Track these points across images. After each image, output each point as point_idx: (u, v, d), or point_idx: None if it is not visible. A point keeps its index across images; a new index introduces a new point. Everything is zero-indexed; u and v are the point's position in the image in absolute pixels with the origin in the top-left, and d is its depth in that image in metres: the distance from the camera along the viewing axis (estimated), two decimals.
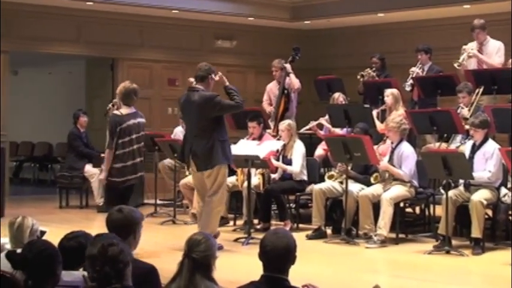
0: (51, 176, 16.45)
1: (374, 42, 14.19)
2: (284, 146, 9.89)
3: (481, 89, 9.64)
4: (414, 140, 10.15)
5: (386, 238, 8.73)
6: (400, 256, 8.30)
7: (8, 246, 5.01)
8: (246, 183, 9.31)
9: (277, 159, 9.86)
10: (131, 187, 8.43)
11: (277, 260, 3.87)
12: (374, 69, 11.67)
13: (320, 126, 10.85)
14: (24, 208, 11.39)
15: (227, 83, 8.45)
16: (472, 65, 10.45)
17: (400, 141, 9.02)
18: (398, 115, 9.46)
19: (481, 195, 8.30)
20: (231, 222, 10.31)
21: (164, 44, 14.56)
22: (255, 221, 9.87)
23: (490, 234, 8.76)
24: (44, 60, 15.72)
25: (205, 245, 3.99)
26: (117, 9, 13.58)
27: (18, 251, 3.92)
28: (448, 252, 8.19)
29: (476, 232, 8.23)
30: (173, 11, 13.82)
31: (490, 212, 8.81)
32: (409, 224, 9.66)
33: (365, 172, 9.36)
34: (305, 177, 9.93)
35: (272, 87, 11.57)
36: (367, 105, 10.67)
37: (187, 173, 10.02)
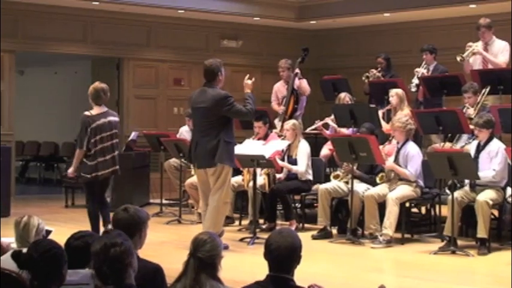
0: (57, 176, 16.48)
1: (380, 42, 14.19)
2: (289, 145, 9.89)
3: (487, 89, 9.62)
4: (420, 139, 10.14)
5: (391, 238, 8.72)
6: (406, 256, 8.29)
7: (14, 246, 5.02)
8: (251, 183, 9.32)
9: (282, 159, 9.86)
10: (105, 181, 8.77)
11: (282, 259, 3.87)
12: (379, 69, 11.66)
13: (326, 126, 10.85)
14: (30, 207, 11.42)
15: (249, 91, 8.50)
16: (477, 64, 10.44)
17: (406, 141, 9.01)
18: (404, 115, 9.45)
19: (486, 196, 8.29)
20: (237, 222, 10.33)
21: (170, 43, 14.58)
22: (261, 221, 9.88)
23: (496, 235, 8.75)
24: (50, 60, 15.75)
25: (211, 244, 3.99)
26: (123, 9, 13.60)
27: (24, 250, 3.93)
28: (453, 252, 8.19)
29: (482, 232, 8.22)
30: (179, 11, 13.84)
31: (495, 212, 8.80)
32: (414, 224, 9.65)
33: (371, 172, 9.36)
34: (310, 177, 9.93)
35: (279, 87, 11.58)
36: (373, 105, 10.66)
37: (192, 172, 10.03)
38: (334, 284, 6.52)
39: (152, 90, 14.60)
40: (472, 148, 8.68)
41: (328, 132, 10.77)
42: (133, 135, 12.87)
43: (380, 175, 9.08)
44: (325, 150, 10.64)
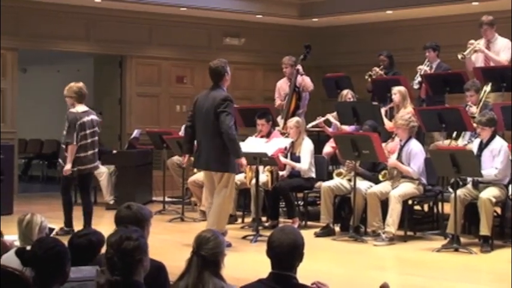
0: (60, 174, 16.44)
1: (382, 40, 14.18)
2: (292, 143, 9.89)
3: (489, 86, 9.61)
4: (422, 137, 10.13)
5: (394, 236, 8.72)
6: (409, 254, 8.29)
7: (17, 244, 5.03)
8: (254, 181, 9.33)
9: (286, 157, 9.86)
10: (88, 176, 9.39)
11: (284, 256, 3.86)
12: (382, 67, 11.65)
13: (328, 123, 10.85)
14: (33, 205, 11.42)
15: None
16: (480, 62, 10.42)
17: (409, 138, 9.01)
18: (407, 112, 9.45)
19: (489, 193, 8.29)
20: (239, 220, 10.33)
21: (173, 41, 14.57)
22: (263, 219, 9.88)
23: (499, 232, 8.74)
24: (53, 58, 15.75)
25: (214, 242, 3.99)
26: (125, 7, 13.60)
27: (28, 248, 3.94)
28: (456, 250, 8.19)
29: (484, 230, 8.22)
30: (181, 9, 13.84)
31: (498, 210, 8.80)
32: (417, 222, 9.65)
33: (373, 169, 9.36)
34: (313, 175, 9.93)
35: (282, 84, 11.57)
36: (375, 103, 10.66)
37: (195, 170, 10.03)
38: (336, 282, 6.51)
39: (155, 88, 14.61)
40: (474, 146, 8.67)
41: (330, 129, 10.77)
42: (135, 133, 12.88)
43: (383, 173, 9.08)
44: (328, 147, 10.64)
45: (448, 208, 8.82)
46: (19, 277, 4.00)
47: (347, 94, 10.77)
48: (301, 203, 10.26)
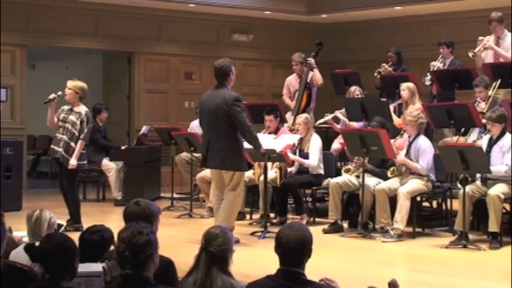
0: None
1: (390, 36, 14.16)
2: (301, 139, 9.88)
3: (498, 83, 9.58)
4: (431, 133, 10.11)
5: (403, 232, 8.71)
6: (417, 250, 8.28)
7: (26, 240, 5.05)
8: (262, 177, 9.32)
9: (294, 153, 9.85)
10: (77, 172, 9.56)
11: (292, 253, 3.87)
12: (390, 63, 11.62)
13: (336, 119, 10.84)
14: (42, 201, 11.44)
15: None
16: (489, 58, 10.39)
17: (417, 135, 8.99)
18: (415, 109, 9.43)
19: (498, 190, 8.27)
20: (248, 216, 10.33)
21: (181, 37, 14.58)
22: (272, 215, 9.88)
23: (508, 229, 8.72)
24: (61, 54, 15.76)
25: (222, 238, 4.00)
26: (134, 3, 13.62)
27: (37, 244, 3.95)
28: (465, 246, 8.17)
29: (493, 226, 8.20)
30: (190, 5, 13.83)
31: (507, 207, 8.78)
32: (426, 218, 9.64)
33: (382, 166, 9.35)
34: (322, 171, 9.92)
35: (291, 80, 11.56)
36: (384, 99, 10.64)
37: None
38: (345, 278, 6.49)
39: (163, 84, 14.62)
40: (484, 142, 8.65)
41: (338, 126, 10.75)
42: (144, 129, 12.89)
43: (391, 169, 9.07)
44: (336, 144, 10.62)
45: (456, 205, 8.80)
46: (28, 273, 4.01)
47: (355, 90, 10.75)
48: (309, 199, 10.25)
